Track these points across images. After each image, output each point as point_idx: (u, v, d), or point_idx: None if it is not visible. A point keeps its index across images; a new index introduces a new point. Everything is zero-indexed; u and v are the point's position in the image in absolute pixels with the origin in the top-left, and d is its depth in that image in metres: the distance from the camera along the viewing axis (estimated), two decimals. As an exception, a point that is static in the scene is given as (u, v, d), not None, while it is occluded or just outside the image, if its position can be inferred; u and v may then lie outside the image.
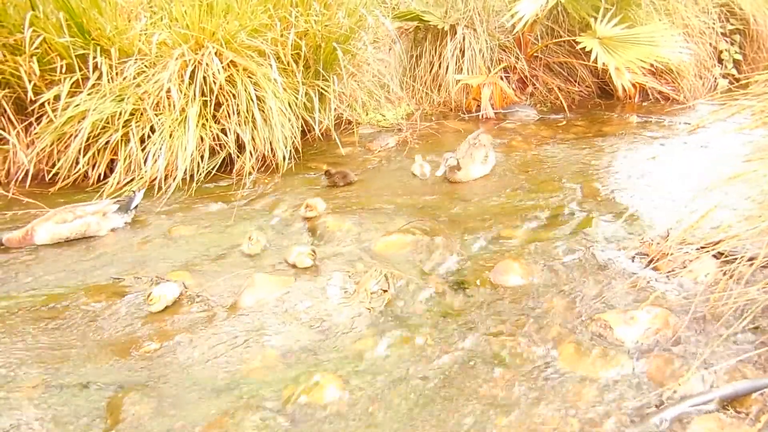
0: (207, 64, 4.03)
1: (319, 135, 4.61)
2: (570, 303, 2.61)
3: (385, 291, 2.65)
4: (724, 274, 2.56)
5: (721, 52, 6.61)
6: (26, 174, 3.99)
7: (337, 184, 3.99)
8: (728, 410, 1.99)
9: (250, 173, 4.10)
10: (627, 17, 5.64)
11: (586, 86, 6.34)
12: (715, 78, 6.42)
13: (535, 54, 6.09)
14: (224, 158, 4.21)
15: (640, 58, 5.21)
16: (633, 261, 2.93)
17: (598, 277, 2.79)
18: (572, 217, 3.44)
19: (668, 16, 6.06)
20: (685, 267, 2.75)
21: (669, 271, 2.77)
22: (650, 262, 2.87)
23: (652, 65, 5.59)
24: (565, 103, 5.80)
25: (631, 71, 5.38)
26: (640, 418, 1.98)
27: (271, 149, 4.17)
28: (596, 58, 5.18)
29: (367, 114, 5.36)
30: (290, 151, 4.20)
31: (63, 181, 3.99)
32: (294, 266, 2.92)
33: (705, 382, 2.11)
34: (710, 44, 6.44)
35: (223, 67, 4.03)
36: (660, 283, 2.72)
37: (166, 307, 2.62)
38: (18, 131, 4.07)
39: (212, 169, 4.12)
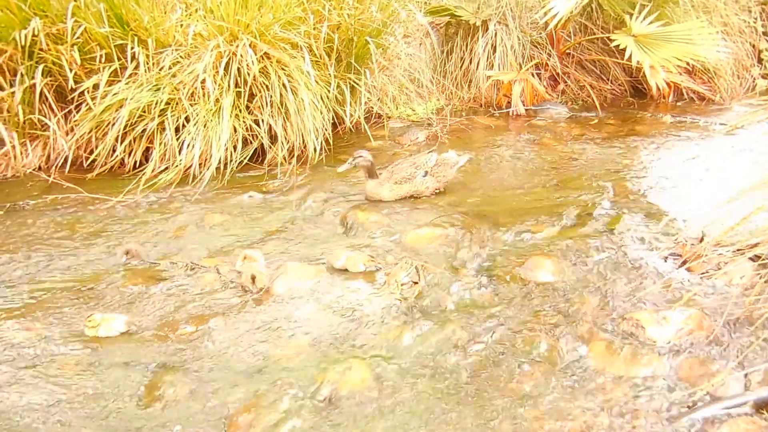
0: (241, 56, 4.08)
1: (350, 127, 4.64)
2: (601, 301, 2.60)
3: (415, 283, 2.68)
4: (761, 277, 2.52)
5: (761, 51, 6.44)
6: (65, 160, 4.11)
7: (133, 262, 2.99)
8: (762, 414, 1.96)
9: (281, 164, 4.15)
10: (663, 14, 5.53)
11: (619, 84, 6.24)
12: (754, 78, 6.26)
13: (568, 51, 6.02)
14: (256, 149, 4.27)
15: (676, 56, 5.11)
16: (665, 261, 2.90)
17: (630, 277, 2.77)
18: (603, 215, 3.41)
19: (706, 14, 5.92)
20: (719, 269, 2.72)
21: (703, 273, 2.74)
22: (683, 263, 2.83)
23: (688, 64, 5.48)
24: (597, 101, 5.73)
25: (667, 70, 5.29)
26: (671, 418, 1.97)
27: (303, 141, 4.21)
28: (630, 56, 5.11)
29: (397, 108, 5.38)
30: (321, 142, 4.23)
31: (100, 167, 4.10)
32: (346, 270, 2.81)
33: (739, 385, 2.09)
34: (750, 43, 6.29)
35: (257, 58, 4.09)
36: (693, 284, 2.69)
37: (107, 337, 2.40)
38: (58, 118, 4.19)
39: (244, 159, 4.18)
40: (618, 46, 5.25)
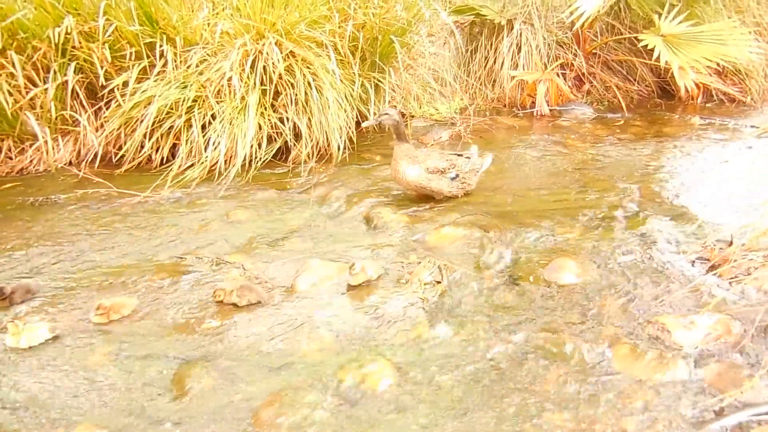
0: (267, 54, 4.13)
1: (374, 126, 4.65)
2: (625, 304, 2.57)
3: (438, 282, 2.68)
4: (792, 283, 2.47)
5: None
6: (95, 155, 4.21)
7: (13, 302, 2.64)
8: (793, 422, 1.93)
9: (305, 162, 4.19)
10: (693, 14, 5.44)
11: (646, 85, 6.16)
12: (787, 80, 6.12)
13: (594, 51, 5.96)
14: (281, 146, 4.31)
15: (706, 57, 5.02)
16: (693, 265, 2.85)
17: (656, 280, 2.73)
18: (629, 217, 3.37)
19: (738, 14, 5.81)
20: (749, 274, 2.66)
21: (732, 278, 2.69)
22: (712, 267, 2.78)
23: (718, 65, 5.38)
24: (623, 102, 5.66)
25: (696, 71, 5.20)
26: (698, 424, 1.94)
27: (327, 139, 4.24)
28: (658, 57, 5.03)
29: (420, 107, 5.38)
30: (345, 141, 4.26)
31: (129, 163, 4.18)
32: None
33: (769, 392, 2.05)
34: (783, 44, 6.14)
35: (282, 57, 4.13)
36: (722, 289, 2.64)
37: (30, 347, 2.33)
38: (89, 115, 4.30)
39: (269, 156, 4.22)
40: (646, 46, 5.18)
